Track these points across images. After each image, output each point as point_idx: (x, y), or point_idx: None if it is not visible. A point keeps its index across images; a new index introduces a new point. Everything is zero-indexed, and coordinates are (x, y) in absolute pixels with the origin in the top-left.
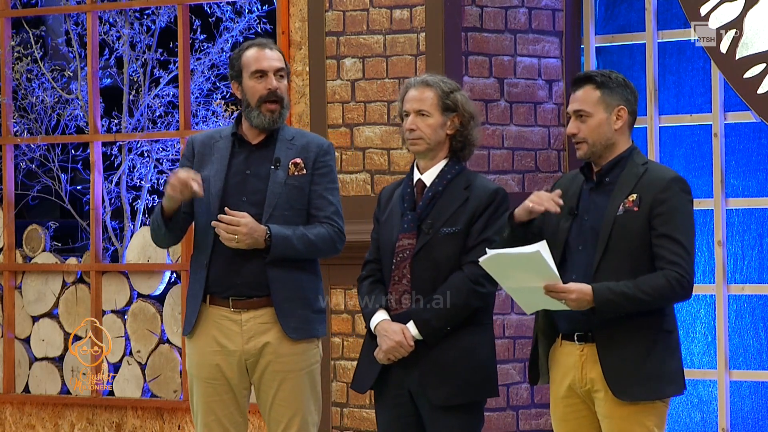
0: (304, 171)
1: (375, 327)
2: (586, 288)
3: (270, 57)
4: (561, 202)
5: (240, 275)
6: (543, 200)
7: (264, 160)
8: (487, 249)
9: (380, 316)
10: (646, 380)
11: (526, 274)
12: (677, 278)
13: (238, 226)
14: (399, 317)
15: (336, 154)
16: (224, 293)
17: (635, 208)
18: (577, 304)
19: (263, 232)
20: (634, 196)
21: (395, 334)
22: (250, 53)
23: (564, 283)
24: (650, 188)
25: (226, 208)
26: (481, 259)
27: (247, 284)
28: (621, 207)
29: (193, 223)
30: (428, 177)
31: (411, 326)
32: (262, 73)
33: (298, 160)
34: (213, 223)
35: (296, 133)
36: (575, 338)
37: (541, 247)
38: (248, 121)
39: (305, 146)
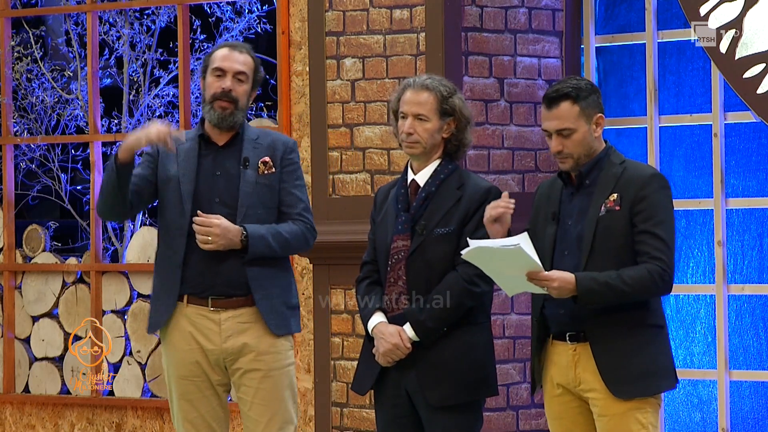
0: (273, 169)
1: (372, 330)
2: (568, 276)
3: (234, 59)
4: (508, 205)
5: (219, 275)
6: (497, 206)
7: (232, 160)
8: (468, 240)
9: (377, 318)
10: (641, 377)
11: (508, 265)
12: (659, 272)
13: (211, 227)
14: (396, 319)
15: (336, 154)
16: (203, 293)
17: (617, 208)
18: (559, 292)
19: (238, 232)
20: (615, 195)
21: (392, 337)
22: (219, 52)
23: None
24: (630, 186)
25: (198, 211)
26: (463, 252)
27: (227, 283)
28: (603, 207)
29: (159, 223)
30: (422, 177)
31: (407, 328)
32: (221, 72)
33: (267, 159)
34: (194, 226)
35: (260, 133)
36: (567, 338)
37: (522, 240)
38: (204, 115)
39: (271, 145)
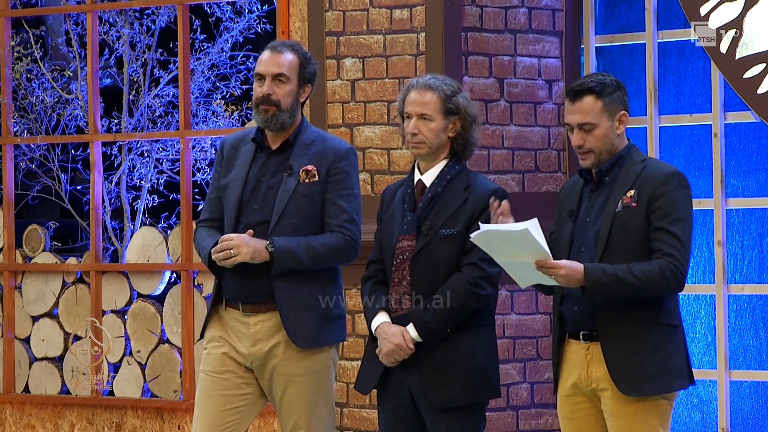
0: (316, 178)
1: (375, 329)
2: (577, 266)
3: (273, 62)
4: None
5: (248, 284)
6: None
7: (279, 166)
8: (480, 224)
9: (381, 318)
10: (651, 376)
11: (517, 250)
12: (671, 269)
13: (231, 241)
14: (399, 319)
15: None
16: (235, 299)
17: (633, 204)
18: (566, 280)
19: (262, 243)
20: (632, 192)
21: (394, 337)
22: (262, 55)
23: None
24: (649, 183)
25: (220, 239)
26: (472, 236)
27: (254, 293)
28: (620, 203)
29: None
30: (428, 178)
31: (411, 329)
32: (260, 77)
33: (310, 167)
34: (214, 256)
35: (317, 138)
36: (581, 337)
37: (531, 225)
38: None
39: (322, 152)
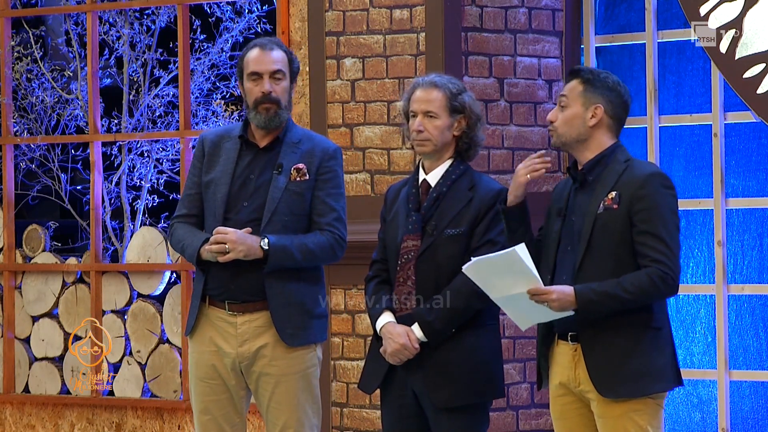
0: (307, 176)
1: (380, 329)
2: (567, 290)
3: (267, 59)
4: (544, 162)
5: (237, 280)
6: (530, 165)
7: (268, 164)
8: (471, 257)
9: (385, 318)
10: (631, 377)
11: (508, 279)
12: (661, 276)
13: (227, 234)
14: (404, 319)
15: None
16: (220, 296)
17: (615, 206)
18: (560, 305)
19: (256, 239)
20: (614, 193)
21: (399, 337)
22: (251, 54)
23: (553, 283)
24: (629, 185)
25: (215, 230)
26: (464, 268)
27: (243, 289)
28: (601, 205)
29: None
30: (433, 177)
31: (416, 328)
32: (257, 76)
33: (301, 166)
34: (207, 248)
35: (303, 136)
36: (569, 338)
37: (518, 248)
38: (251, 121)
39: (310, 151)
